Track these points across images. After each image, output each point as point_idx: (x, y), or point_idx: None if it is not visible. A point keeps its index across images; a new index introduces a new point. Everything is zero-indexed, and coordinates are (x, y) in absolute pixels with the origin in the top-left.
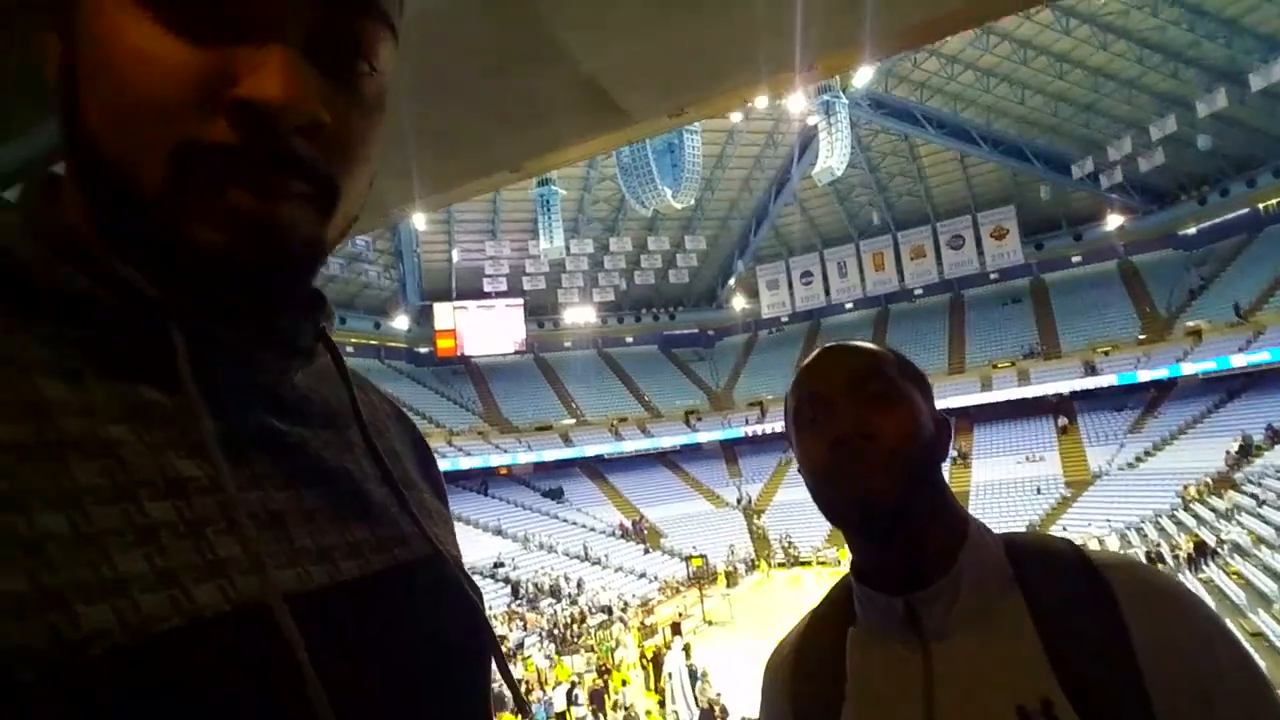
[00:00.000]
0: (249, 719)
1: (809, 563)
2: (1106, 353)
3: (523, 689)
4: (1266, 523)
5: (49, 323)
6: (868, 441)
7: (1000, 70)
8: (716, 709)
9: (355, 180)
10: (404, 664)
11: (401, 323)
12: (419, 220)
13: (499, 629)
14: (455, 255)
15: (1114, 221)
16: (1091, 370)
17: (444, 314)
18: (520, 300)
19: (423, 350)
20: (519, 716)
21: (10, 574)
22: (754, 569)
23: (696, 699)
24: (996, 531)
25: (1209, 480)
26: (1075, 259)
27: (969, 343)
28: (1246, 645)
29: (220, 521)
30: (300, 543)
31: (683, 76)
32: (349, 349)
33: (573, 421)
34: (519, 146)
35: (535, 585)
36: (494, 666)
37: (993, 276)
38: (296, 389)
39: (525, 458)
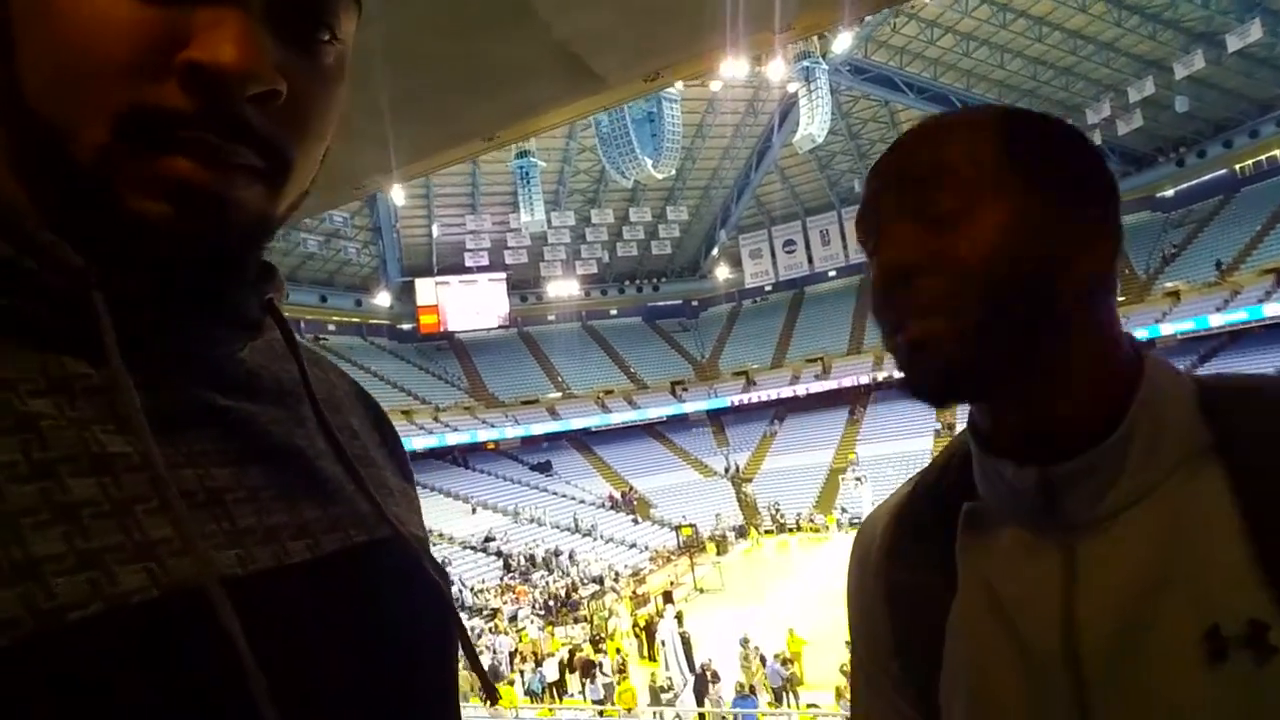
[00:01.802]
0: (182, 712)
1: (797, 529)
2: None
3: (517, 660)
4: None
5: None
6: (922, 276)
7: (980, 34)
8: (709, 674)
9: (308, 153)
10: (359, 650)
11: (383, 299)
12: (398, 195)
13: (492, 602)
14: (435, 230)
15: None
16: None
17: (426, 290)
18: (503, 274)
19: (405, 327)
20: (488, 702)
21: None
22: (743, 536)
23: (690, 665)
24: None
25: None
26: None
27: None
28: None
29: (152, 500)
30: (243, 523)
31: (657, 39)
32: (331, 327)
33: (559, 395)
34: (491, 115)
35: (527, 558)
36: (461, 651)
37: None
38: (244, 364)
39: (513, 432)
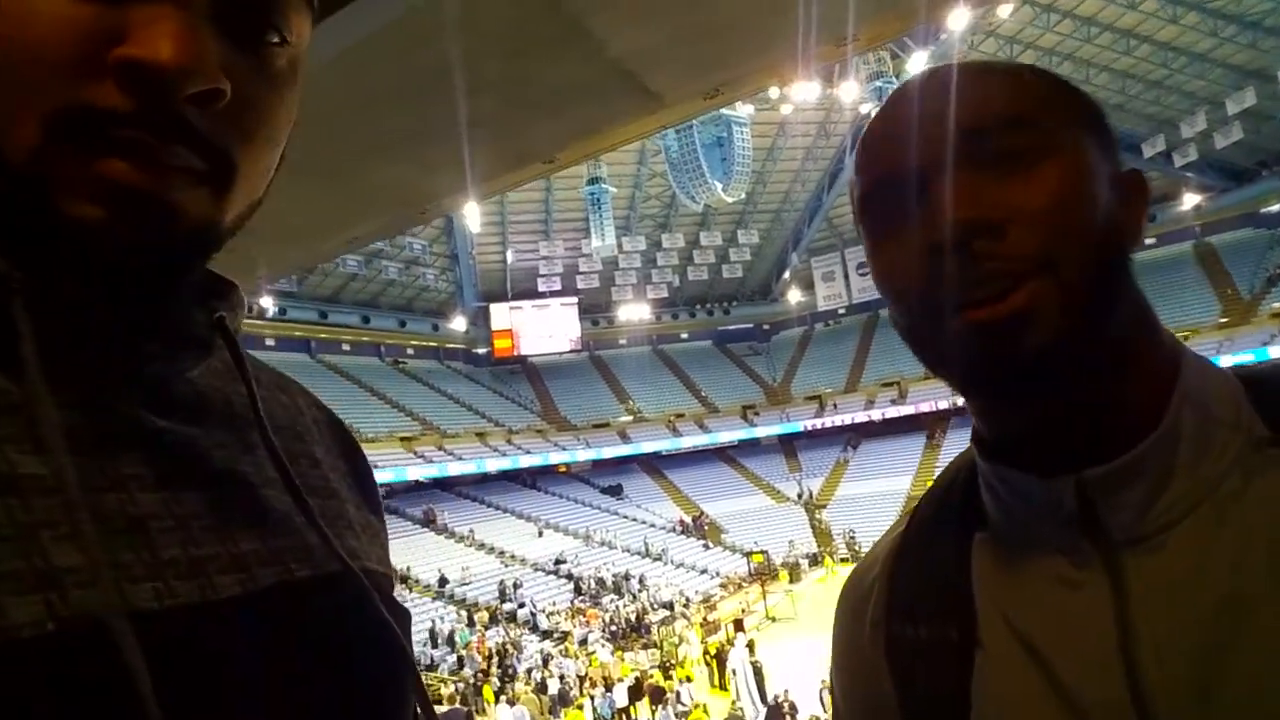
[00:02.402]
0: None
1: None
2: (1186, 338)
3: (586, 684)
4: None
5: None
6: (995, 236)
7: (1062, 49)
8: (785, 705)
9: (256, 158)
10: (293, 695)
11: (459, 324)
12: (473, 222)
13: (562, 625)
14: (510, 256)
15: (1189, 201)
16: None
17: (500, 314)
18: (575, 299)
19: (480, 351)
20: None
21: None
22: (817, 564)
23: (763, 695)
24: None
25: None
26: (1149, 241)
27: None
28: None
29: (61, 526)
30: (166, 554)
31: (714, 54)
32: (409, 351)
33: (630, 419)
34: (550, 136)
35: (597, 581)
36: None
37: None
38: (192, 384)
39: (584, 455)
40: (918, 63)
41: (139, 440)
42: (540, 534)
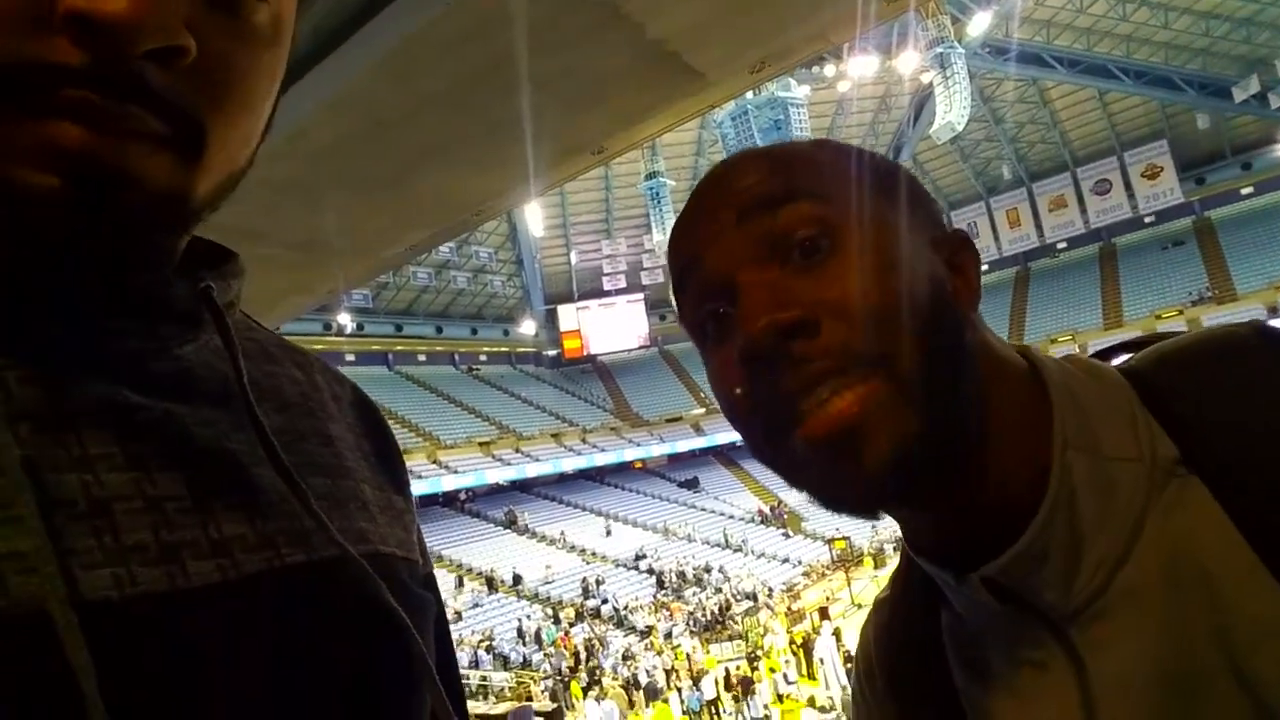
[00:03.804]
0: None
1: None
2: None
3: (674, 677)
4: None
5: None
6: (809, 334)
7: None
8: None
9: (231, 123)
10: (278, 692)
11: (528, 328)
12: (536, 226)
13: (646, 619)
14: (574, 257)
15: None
16: (1275, 312)
17: (568, 315)
18: (640, 295)
19: (551, 353)
20: None
21: None
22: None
23: None
24: (1114, 361)
25: None
26: (1245, 191)
27: (1125, 294)
28: None
29: (10, 508)
30: (133, 538)
31: (759, 24)
32: (482, 358)
33: (702, 411)
34: (596, 127)
35: (679, 575)
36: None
37: (1148, 220)
38: (180, 360)
39: (659, 450)
40: (979, 24)
41: (110, 418)
42: (617, 531)
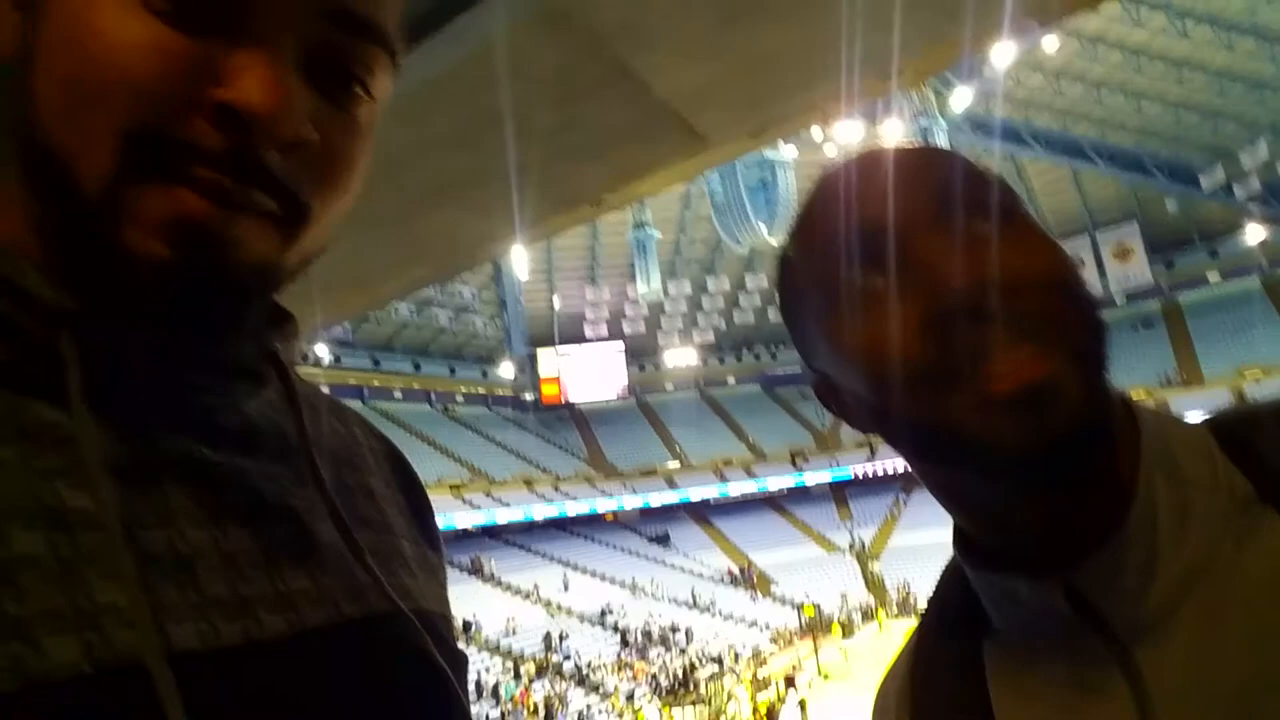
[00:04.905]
0: None
1: None
2: (1257, 378)
3: None
4: None
5: None
6: (1009, 298)
7: (1112, 80)
8: None
9: (328, 205)
10: None
11: (507, 370)
12: (521, 268)
13: (608, 679)
14: (557, 301)
15: (1255, 234)
16: (1241, 397)
17: (548, 360)
18: (621, 343)
19: (528, 397)
20: None
21: None
22: (870, 618)
23: None
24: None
25: None
26: (1212, 276)
27: None
28: None
29: (106, 562)
30: (212, 591)
31: (760, 91)
32: (459, 398)
33: (677, 465)
34: (597, 180)
35: (645, 633)
36: None
37: (1118, 300)
38: (246, 416)
39: (631, 502)
40: (962, 98)
41: (189, 473)
42: (584, 584)
